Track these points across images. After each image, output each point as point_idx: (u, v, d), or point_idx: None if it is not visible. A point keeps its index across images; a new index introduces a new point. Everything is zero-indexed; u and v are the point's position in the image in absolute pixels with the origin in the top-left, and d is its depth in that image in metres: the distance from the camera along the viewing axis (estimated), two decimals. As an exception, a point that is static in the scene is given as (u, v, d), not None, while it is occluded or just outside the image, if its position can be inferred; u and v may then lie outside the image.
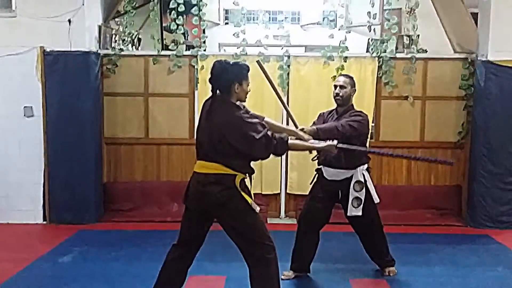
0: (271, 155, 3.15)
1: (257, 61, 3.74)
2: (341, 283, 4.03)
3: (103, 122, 5.88)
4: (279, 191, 5.95)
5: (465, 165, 5.89)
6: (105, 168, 5.94)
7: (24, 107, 5.50)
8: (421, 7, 5.86)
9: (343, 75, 4.12)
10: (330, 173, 3.97)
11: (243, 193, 3.06)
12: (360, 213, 3.89)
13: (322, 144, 3.43)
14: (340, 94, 3.93)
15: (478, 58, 5.62)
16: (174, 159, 5.98)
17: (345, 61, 5.77)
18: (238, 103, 3.18)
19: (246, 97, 3.21)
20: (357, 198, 3.88)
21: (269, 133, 3.09)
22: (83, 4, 5.40)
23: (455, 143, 5.89)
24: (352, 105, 4.04)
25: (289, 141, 3.19)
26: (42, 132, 5.50)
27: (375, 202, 4.01)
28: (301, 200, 5.94)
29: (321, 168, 4.06)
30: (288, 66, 5.80)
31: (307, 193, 5.89)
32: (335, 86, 4.00)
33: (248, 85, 3.17)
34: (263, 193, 5.92)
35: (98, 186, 5.73)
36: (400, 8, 6.26)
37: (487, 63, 5.47)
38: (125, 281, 4.02)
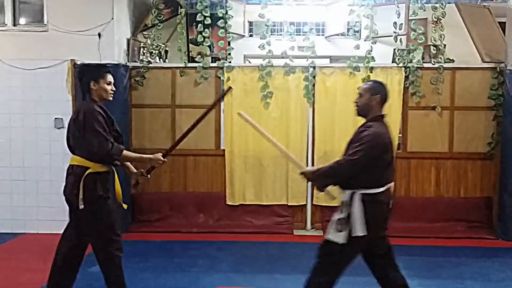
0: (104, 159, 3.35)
1: (238, 113, 3.80)
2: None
3: (131, 133, 5.96)
4: (305, 203, 5.92)
5: (495, 176, 5.77)
6: (133, 179, 5.99)
7: (55, 118, 5.63)
8: (447, 17, 5.82)
9: (367, 81, 3.67)
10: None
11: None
12: (341, 241, 3.03)
13: (148, 156, 3.61)
14: (357, 102, 3.28)
15: (507, 68, 5.53)
16: (201, 170, 6.02)
17: (371, 72, 5.75)
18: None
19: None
20: (340, 220, 3.08)
21: (109, 139, 3.32)
22: (112, 18, 5.53)
23: (485, 154, 5.79)
24: (379, 116, 3.23)
25: (125, 151, 3.41)
26: (72, 144, 5.60)
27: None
28: (327, 211, 5.92)
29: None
30: (314, 77, 5.80)
31: (333, 204, 5.92)
32: None
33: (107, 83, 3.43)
34: (289, 204, 5.91)
35: (126, 197, 5.77)
36: (426, 18, 6.23)
37: (517, 73, 5.38)
38: (153, 292, 4.04)
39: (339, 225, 3.05)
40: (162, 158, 3.57)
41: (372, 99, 3.19)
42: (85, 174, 3.31)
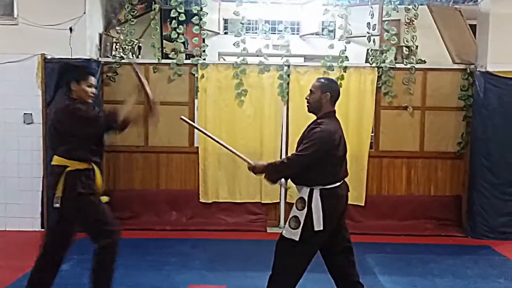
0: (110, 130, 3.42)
1: (180, 118, 3.88)
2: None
3: (103, 130, 5.86)
4: (278, 200, 5.93)
5: (465, 175, 5.89)
6: (104, 176, 5.90)
7: (24, 114, 5.50)
8: (420, 18, 5.91)
9: (319, 78, 3.43)
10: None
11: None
12: (297, 238, 3.08)
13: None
14: (307, 99, 3.32)
15: (477, 69, 5.65)
16: (174, 167, 5.97)
17: (345, 71, 5.79)
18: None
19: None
20: (295, 217, 3.11)
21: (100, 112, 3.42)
22: (84, 13, 5.43)
23: (454, 153, 5.90)
24: (330, 112, 3.30)
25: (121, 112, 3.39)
26: (42, 139, 5.48)
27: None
28: (301, 209, 5.95)
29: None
30: (288, 75, 5.81)
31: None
32: None
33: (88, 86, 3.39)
34: (262, 202, 5.91)
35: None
36: (399, 19, 6.32)
37: (486, 74, 5.51)
38: (124, 290, 3.98)
39: (293, 222, 3.10)
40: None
41: (322, 97, 3.24)
42: (65, 173, 3.28)
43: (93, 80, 3.46)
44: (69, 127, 3.31)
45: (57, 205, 3.28)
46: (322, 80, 3.34)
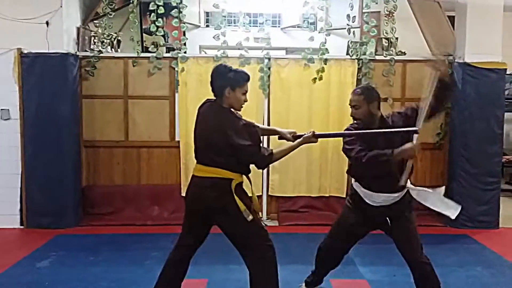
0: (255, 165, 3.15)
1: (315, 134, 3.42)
2: (322, 284, 4.02)
3: (82, 125, 5.81)
4: (261, 193, 5.94)
5: (444, 166, 5.96)
6: (84, 172, 5.86)
7: (1, 109, 5.40)
8: (399, 10, 5.93)
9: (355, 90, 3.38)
10: (380, 199, 3.32)
11: (237, 199, 3.05)
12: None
13: (299, 140, 3.25)
14: (354, 116, 3.34)
15: (455, 60, 5.70)
16: (155, 162, 5.93)
17: (325, 64, 5.80)
18: (232, 110, 3.15)
19: (240, 106, 3.16)
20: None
21: (257, 145, 3.09)
22: (61, 6, 5.33)
23: (433, 144, 5.96)
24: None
25: (274, 151, 3.16)
26: (19, 135, 5.41)
27: None
28: (283, 201, 5.98)
29: (357, 192, 3.42)
30: (269, 68, 5.80)
31: (288, 195, 5.97)
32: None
33: (243, 93, 3.13)
34: (244, 195, 5.91)
35: (76, 190, 5.65)
36: (379, 11, 6.33)
37: (464, 65, 5.56)
38: (104, 286, 3.95)
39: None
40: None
41: (371, 107, 3.27)
42: (233, 186, 3.06)
43: (247, 87, 3.16)
44: (226, 149, 3.05)
45: (251, 217, 3.06)
46: (360, 91, 3.30)
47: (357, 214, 3.43)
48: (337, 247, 3.59)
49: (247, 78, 3.14)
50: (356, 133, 3.26)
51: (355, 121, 3.34)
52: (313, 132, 3.27)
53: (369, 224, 3.45)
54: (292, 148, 3.29)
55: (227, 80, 3.09)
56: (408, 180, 3.24)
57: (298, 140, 3.27)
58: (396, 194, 3.26)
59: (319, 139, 3.29)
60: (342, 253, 3.63)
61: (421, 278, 3.34)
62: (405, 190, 3.28)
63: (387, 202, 3.29)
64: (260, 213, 5.94)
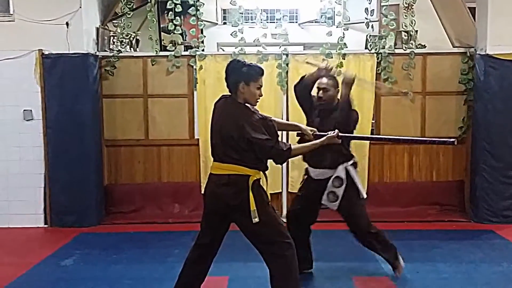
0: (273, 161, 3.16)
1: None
2: (344, 280, 4.01)
3: (103, 124, 5.87)
4: (280, 190, 5.93)
5: (467, 160, 5.86)
6: (105, 171, 5.93)
7: (24, 110, 5.49)
8: (418, 2, 5.84)
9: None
10: (316, 173, 3.94)
11: (251, 198, 3.03)
12: (335, 208, 3.87)
13: (323, 139, 3.31)
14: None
15: (477, 52, 5.60)
16: (175, 160, 5.97)
17: (344, 58, 5.75)
18: (247, 105, 3.13)
19: (255, 100, 3.15)
20: (333, 192, 3.85)
21: (274, 139, 3.08)
22: (80, 7, 5.39)
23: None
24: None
25: (292, 147, 3.16)
26: (42, 136, 5.49)
27: (361, 197, 3.95)
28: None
29: (307, 167, 4.03)
30: (287, 64, 5.78)
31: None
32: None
33: (257, 88, 3.11)
34: (264, 192, 5.90)
35: (98, 189, 5.72)
36: (398, 4, 6.24)
37: (486, 57, 5.45)
38: (127, 284, 3.99)
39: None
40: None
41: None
42: (251, 183, 3.05)
43: (262, 81, 3.13)
44: (243, 145, 3.05)
45: (257, 219, 3.03)
46: (330, 77, 3.99)
47: (305, 191, 4.07)
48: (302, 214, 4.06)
49: (261, 72, 3.12)
50: (385, 138, 3.55)
51: (318, 102, 3.94)
52: (337, 132, 3.32)
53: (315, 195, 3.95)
54: (314, 146, 3.31)
55: (241, 75, 3.08)
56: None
57: (322, 139, 3.31)
58: (326, 170, 3.85)
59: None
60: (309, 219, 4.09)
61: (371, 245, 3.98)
62: (340, 168, 3.84)
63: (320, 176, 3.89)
64: (279, 210, 5.95)
